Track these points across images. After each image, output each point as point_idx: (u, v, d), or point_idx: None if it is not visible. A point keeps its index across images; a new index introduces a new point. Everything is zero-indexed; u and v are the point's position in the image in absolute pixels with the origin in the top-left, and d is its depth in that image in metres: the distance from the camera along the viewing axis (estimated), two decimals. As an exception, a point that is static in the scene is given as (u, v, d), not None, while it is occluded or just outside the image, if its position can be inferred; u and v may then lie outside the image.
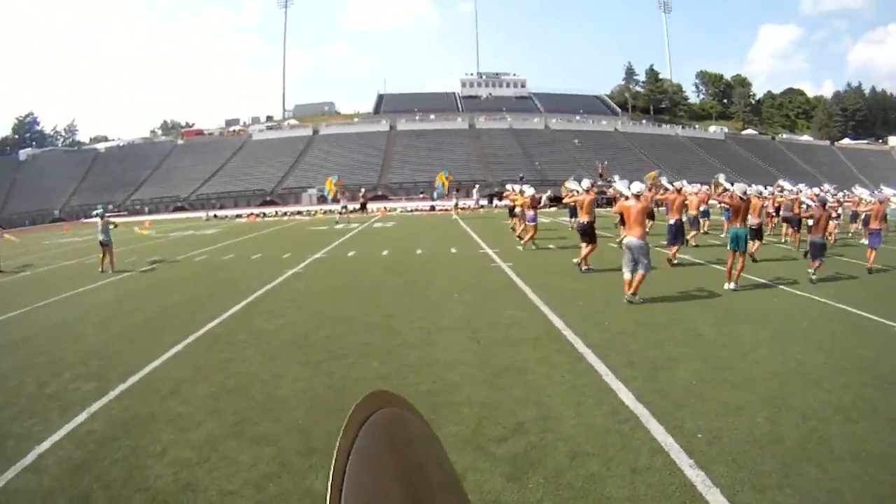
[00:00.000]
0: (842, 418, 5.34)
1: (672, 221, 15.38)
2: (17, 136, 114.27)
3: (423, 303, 11.03)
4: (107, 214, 18.76)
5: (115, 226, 18.58)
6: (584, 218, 14.39)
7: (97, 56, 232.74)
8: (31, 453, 5.26)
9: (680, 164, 78.33)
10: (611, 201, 30.09)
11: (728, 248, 12.01)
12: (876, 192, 20.78)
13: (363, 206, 45.66)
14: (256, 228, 36.25)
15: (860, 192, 21.20)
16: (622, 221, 15.62)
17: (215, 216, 56.80)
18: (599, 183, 36.68)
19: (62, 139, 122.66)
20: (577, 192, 16.17)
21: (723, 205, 15.90)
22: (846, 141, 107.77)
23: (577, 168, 69.37)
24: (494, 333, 8.57)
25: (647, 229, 12.86)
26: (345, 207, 37.37)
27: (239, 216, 55.20)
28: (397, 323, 9.46)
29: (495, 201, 51.82)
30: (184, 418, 5.92)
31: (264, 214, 54.22)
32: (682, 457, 4.57)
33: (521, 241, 19.74)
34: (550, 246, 19.96)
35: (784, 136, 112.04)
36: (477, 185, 54.32)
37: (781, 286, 12.13)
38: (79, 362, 8.06)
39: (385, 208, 51.28)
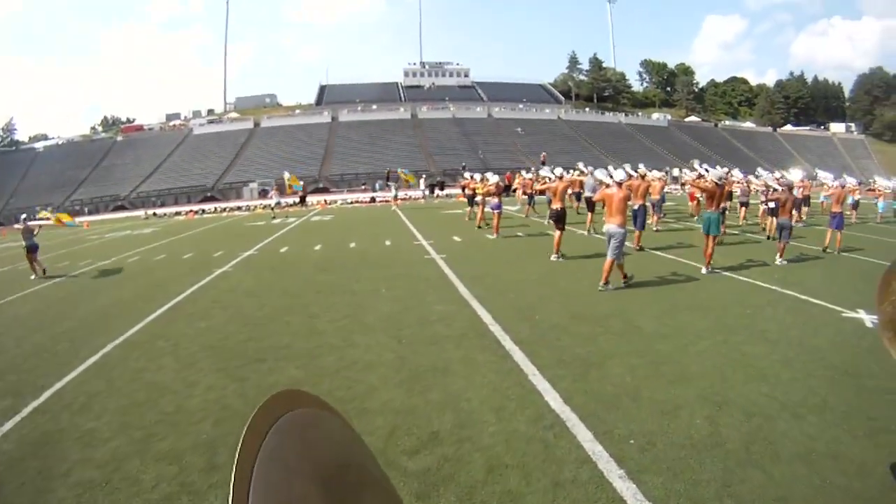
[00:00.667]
0: (789, 415, 5.00)
1: (636, 206, 15.17)
2: None
3: (349, 300, 10.56)
4: (30, 219, 18.49)
5: (37, 231, 17.83)
6: (556, 205, 14.24)
7: (34, 49, 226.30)
8: None
9: (624, 151, 78.94)
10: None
11: (702, 231, 12.22)
12: (839, 177, 21.10)
13: (302, 200, 44.96)
14: (193, 226, 35.26)
15: (823, 175, 21.43)
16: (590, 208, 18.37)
17: (154, 214, 55.48)
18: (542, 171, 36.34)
19: None
20: (550, 178, 16.08)
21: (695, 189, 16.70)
22: (788, 127, 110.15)
23: (521, 156, 69.50)
24: (419, 331, 8.13)
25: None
26: (278, 203, 37.50)
27: (178, 214, 53.84)
28: (320, 323, 8.99)
29: (436, 191, 51.43)
30: (92, 435, 5.67)
31: (203, 211, 52.85)
32: (612, 466, 4.15)
33: (491, 230, 19.37)
34: (519, 234, 19.75)
35: (727, 122, 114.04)
36: (423, 175, 53.74)
37: (727, 273, 11.85)
38: None
39: (325, 201, 50.43)
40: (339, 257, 16.45)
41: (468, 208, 25.72)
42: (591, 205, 19.89)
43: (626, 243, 11.25)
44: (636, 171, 17.94)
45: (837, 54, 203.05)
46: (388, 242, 19.04)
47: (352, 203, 50.70)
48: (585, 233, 18.84)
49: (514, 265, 13.59)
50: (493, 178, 20.20)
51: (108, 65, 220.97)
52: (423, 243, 18.14)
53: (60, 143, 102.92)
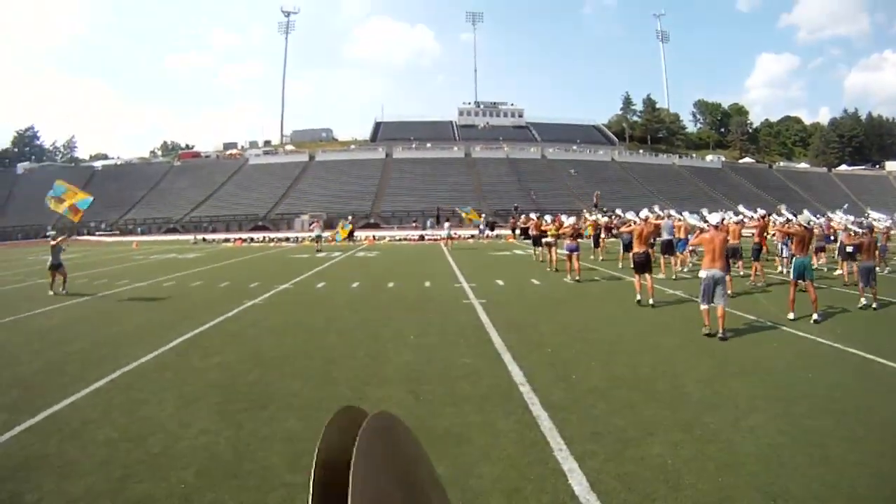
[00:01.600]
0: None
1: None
2: (16, 150, 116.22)
3: (372, 346, 9.91)
4: (58, 237, 18.70)
5: (64, 249, 18.51)
6: (639, 248, 13.96)
7: (101, 73, 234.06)
8: None
9: (677, 193, 78.33)
10: (609, 229, 28.72)
11: (792, 278, 11.96)
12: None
13: (350, 234, 44.74)
14: (238, 254, 35.60)
15: (876, 216, 20.66)
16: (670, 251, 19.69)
17: (203, 239, 56.15)
18: (594, 213, 35.36)
19: (61, 155, 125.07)
20: (635, 221, 16.35)
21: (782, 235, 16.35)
22: (843, 167, 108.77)
23: (573, 198, 68.83)
24: (439, 387, 7.35)
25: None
26: (319, 237, 36.46)
27: (226, 240, 54.51)
28: (336, 369, 8.38)
29: (486, 231, 50.84)
30: (72, 466, 5.48)
31: (252, 239, 53.20)
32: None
33: (570, 274, 18.61)
34: (596, 278, 19.20)
35: (781, 163, 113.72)
36: (483, 215, 53.38)
37: (782, 326, 10.81)
38: (1, 391, 7.86)
39: (373, 237, 50.15)
40: (373, 297, 15.96)
41: (537, 249, 25.48)
42: (670, 248, 19.96)
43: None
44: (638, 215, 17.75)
45: (891, 88, 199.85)
46: (427, 283, 18.46)
47: (400, 240, 50.51)
48: (664, 276, 18.25)
49: (557, 314, 12.77)
50: (568, 220, 19.94)
51: (171, 90, 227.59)
52: (465, 286, 17.56)
53: (119, 163, 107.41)
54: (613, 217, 29.60)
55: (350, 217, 49.73)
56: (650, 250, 20.01)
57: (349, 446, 0.66)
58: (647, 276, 13.37)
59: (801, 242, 11.97)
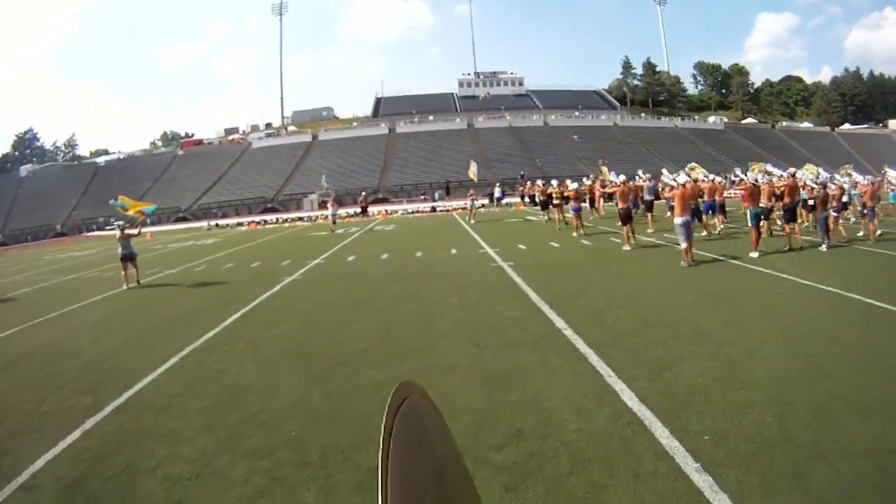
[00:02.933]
0: (858, 416, 5.10)
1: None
2: (17, 153, 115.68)
3: (420, 308, 10.86)
4: (126, 226, 17.99)
5: (137, 234, 18.03)
6: (621, 204, 17.54)
7: (95, 69, 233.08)
8: (27, 472, 5.27)
9: (680, 155, 77.88)
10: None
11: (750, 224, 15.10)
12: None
13: (364, 210, 45.51)
14: (256, 237, 36.11)
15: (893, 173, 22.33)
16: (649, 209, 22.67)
17: (216, 225, 56.98)
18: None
19: (62, 154, 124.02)
20: (616, 182, 19.72)
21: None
22: (846, 126, 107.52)
23: (578, 164, 69.32)
24: (494, 336, 8.37)
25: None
26: (335, 215, 35.16)
27: (240, 224, 55.26)
28: (395, 329, 9.31)
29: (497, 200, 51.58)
30: (176, 433, 5.85)
31: (265, 222, 54.04)
32: (689, 461, 4.36)
33: (576, 230, 21.71)
34: (585, 241, 19.87)
35: (784, 123, 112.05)
36: (497, 183, 55.27)
37: (791, 277, 11.79)
38: (77, 377, 8.13)
39: (385, 211, 51.05)
40: (406, 266, 16.77)
41: (544, 212, 29.00)
42: (650, 206, 22.99)
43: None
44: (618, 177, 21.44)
45: (893, 47, 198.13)
46: (453, 251, 19.37)
47: (412, 213, 51.27)
48: (651, 230, 20.75)
49: (581, 272, 13.86)
50: (572, 185, 24.00)
51: (167, 81, 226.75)
52: (489, 251, 18.41)
53: (122, 157, 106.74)
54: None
55: (363, 193, 50.27)
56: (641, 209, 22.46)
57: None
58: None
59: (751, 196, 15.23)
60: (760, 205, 15.84)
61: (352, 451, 4.98)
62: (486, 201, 50.89)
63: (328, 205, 35.79)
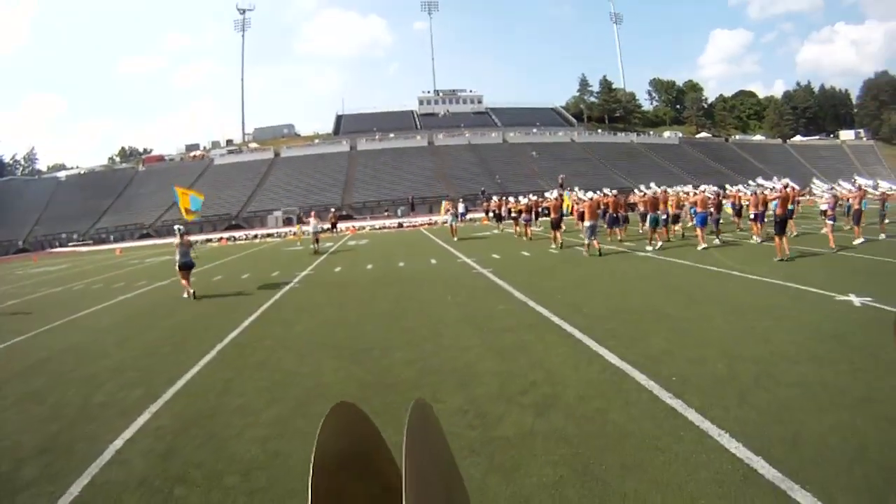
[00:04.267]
0: (787, 362, 6.80)
1: (588, 224, 19.49)
2: None
3: (421, 306, 12.25)
4: (186, 232, 16.80)
5: (192, 245, 17.14)
6: (588, 221, 19.46)
7: (51, 82, 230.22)
8: (108, 451, 5.78)
9: (637, 170, 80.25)
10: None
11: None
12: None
13: (333, 226, 46.66)
14: (231, 252, 36.73)
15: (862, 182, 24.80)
16: (580, 218, 25.08)
17: None
18: (561, 192, 39.00)
19: (21, 168, 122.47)
20: (583, 199, 23.51)
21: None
22: (798, 138, 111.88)
23: (537, 179, 71.16)
24: (493, 323, 9.93)
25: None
26: (317, 231, 29.94)
27: (209, 240, 55.44)
28: (405, 322, 10.69)
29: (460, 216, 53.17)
30: (246, 408, 6.71)
31: (234, 238, 54.56)
32: (663, 392, 5.96)
33: (527, 236, 27.12)
34: (552, 249, 21.79)
35: (737, 137, 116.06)
36: (461, 199, 56.22)
37: (737, 272, 13.65)
38: (115, 375, 8.68)
39: (354, 227, 52.17)
40: (394, 274, 18.09)
41: (500, 224, 35.41)
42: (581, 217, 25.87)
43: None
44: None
45: (843, 60, 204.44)
46: (433, 261, 20.80)
47: (380, 228, 52.22)
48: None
49: (554, 274, 15.68)
50: (523, 200, 29.62)
51: (125, 96, 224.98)
52: (467, 260, 19.92)
53: (82, 172, 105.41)
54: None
55: (332, 209, 51.50)
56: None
57: (345, 444, 0.84)
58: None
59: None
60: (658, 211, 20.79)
61: (408, 404, 6.38)
62: (447, 218, 52.25)
63: (307, 219, 34.11)
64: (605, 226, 24.27)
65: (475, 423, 5.62)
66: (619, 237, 24.14)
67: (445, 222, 45.49)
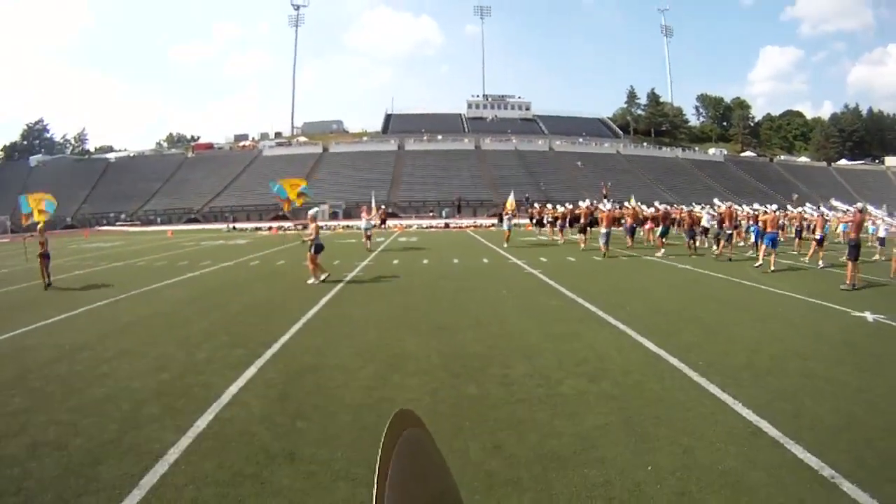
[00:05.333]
0: (797, 357, 8.12)
1: (604, 230, 23.36)
2: (25, 143, 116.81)
3: (481, 298, 13.61)
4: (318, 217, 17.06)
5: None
6: (604, 228, 23.29)
7: (103, 63, 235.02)
8: (225, 394, 6.72)
9: (680, 185, 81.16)
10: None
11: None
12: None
13: (383, 222, 48.08)
14: (284, 241, 38.00)
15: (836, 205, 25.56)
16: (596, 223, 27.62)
17: (234, 228, 58.39)
18: (605, 202, 40.74)
19: (71, 147, 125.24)
20: (603, 210, 25.43)
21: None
22: (843, 162, 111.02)
23: (581, 189, 71.92)
24: (548, 315, 11.39)
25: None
26: (369, 229, 29.04)
27: (258, 229, 56.94)
28: (469, 310, 12.07)
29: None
30: (344, 366, 7.83)
31: (285, 228, 56.12)
32: (691, 372, 7.33)
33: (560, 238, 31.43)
34: (595, 257, 23.18)
35: (782, 157, 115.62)
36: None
37: (759, 285, 14.90)
38: (209, 338, 9.68)
39: (401, 225, 53.98)
40: (450, 270, 19.45)
41: (540, 230, 38.69)
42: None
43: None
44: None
45: (894, 83, 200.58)
46: (485, 260, 22.25)
47: (427, 228, 53.52)
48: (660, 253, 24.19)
49: (598, 277, 17.25)
50: (560, 209, 34.31)
51: (175, 81, 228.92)
52: (517, 261, 21.30)
53: (132, 155, 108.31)
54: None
55: (382, 206, 52.73)
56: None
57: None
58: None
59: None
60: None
61: (484, 369, 7.69)
62: (495, 221, 53.55)
63: (364, 214, 30.09)
64: (658, 235, 25.44)
65: (541, 384, 7.03)
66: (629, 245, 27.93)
67: (493, 226, 47.04)
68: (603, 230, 23.16)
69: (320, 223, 17.85)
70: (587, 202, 32.24)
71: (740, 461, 4.91)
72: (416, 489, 0.77)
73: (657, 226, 26.59)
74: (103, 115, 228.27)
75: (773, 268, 18.22)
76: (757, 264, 18.97)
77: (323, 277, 16.19)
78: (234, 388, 6.95)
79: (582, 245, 26.40)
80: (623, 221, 30.23)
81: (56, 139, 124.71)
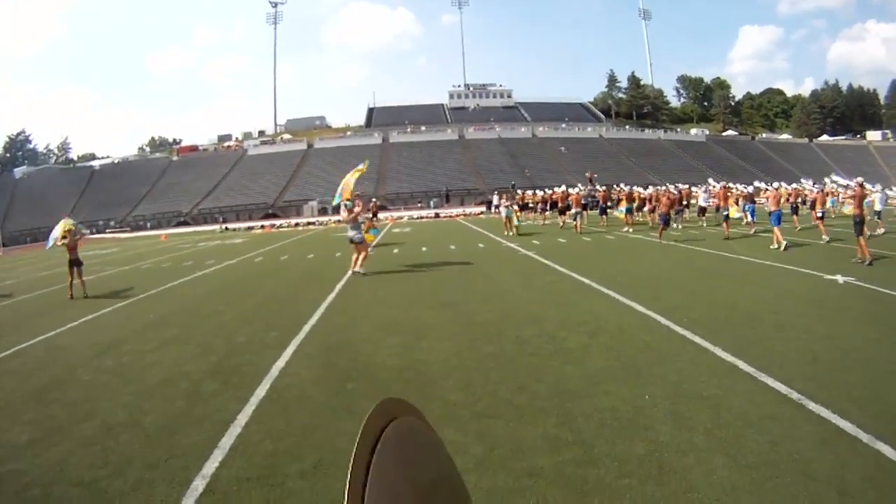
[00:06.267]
0: (770, 312, 9.26)
1: (573, 211, 28.03)
2: (8, 155, 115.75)
3: (483, 277, 14.79)
4: (354, 208, 16.49)
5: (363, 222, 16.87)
6: (575, 208, 28.04)
7: (79, 72, 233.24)
8: (273, 368, 7.53)
9: (663, 166, 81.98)
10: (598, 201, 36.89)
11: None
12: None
13: (374, 215, 48.92)
14: (281, 238, 38.80)
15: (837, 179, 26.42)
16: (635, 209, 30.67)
17: (226, 228, 59.04)
18: (589, 187, 42.40)
19: (55, 157, 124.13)
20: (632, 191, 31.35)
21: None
22: (824, 137, 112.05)
23: (565, 174, 72.86)
24: (548, 287, 12.64)
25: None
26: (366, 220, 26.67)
27: (251, 228, 57.72)
28: (475, 287, 13.21)
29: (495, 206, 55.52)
30: (372, 339, 8.83)
31: (278, 225, 57.12)
32: (676, 327, 8.46)
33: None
34: (586, 238, 24.25)
35: (764, 135, 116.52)
36: (496, 192, 56.32)
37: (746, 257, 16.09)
38: (243, 325, 10.47)
39: (392, 217, 55.01)
40: (449, 254, 20.47)
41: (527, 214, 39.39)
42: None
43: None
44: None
45: (874, 59, 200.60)
46: (481, 245, 23.35)
47: (418, 218, 54.70)
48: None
49: (589, 257, 18.24)
50: (539, 193, 37.55)
51: (155, 87, 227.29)
52: (510, 245, 22.45)
53: (116, 161, 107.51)
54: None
55: (373, 199, 53.24)
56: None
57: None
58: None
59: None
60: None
61: (498, 333, 8.76)
62: (483, 208, 54.71)
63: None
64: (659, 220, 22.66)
65: (548, 341, 8.16)
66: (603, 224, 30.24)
67: (481, 213, 48.09)
68: (573, 210, 28.14)
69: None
70: (562, 188, 36.93)
71: (721, 389, 6.00)
72: (401, 483, 0.72)
73: (649, 208, 28.29)
74: (85, 124, 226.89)
75: (778, 245, 17.79)
76: (773, 246, 18.04)
77: (360, 270, 15.90)
78: (280, 363, 7.71)
79: (561, 224, 31.22)
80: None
81: (39, 150, 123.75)
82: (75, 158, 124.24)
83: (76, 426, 6.04)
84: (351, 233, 16.07)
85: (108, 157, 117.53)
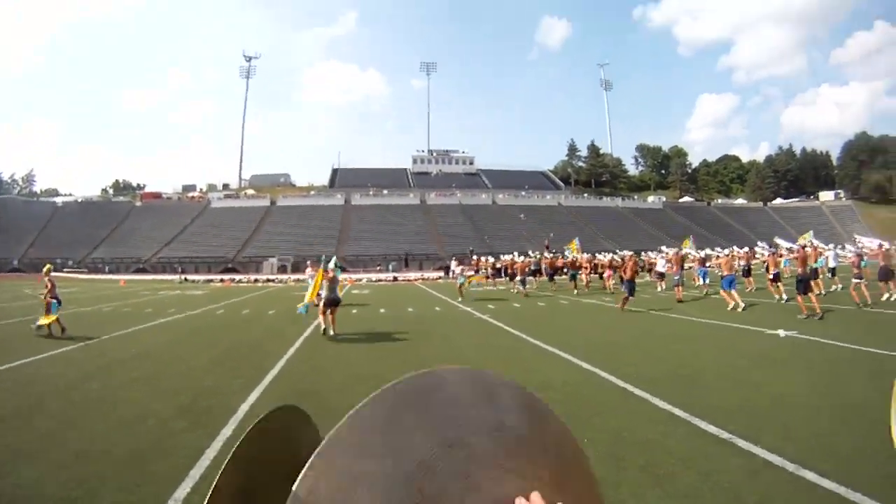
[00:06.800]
0: (713, 365, 9.98)
1: (519, 278, 31.28)
2: None
3: (440, 338, 15.23)
4: (334, 268, 16.45)
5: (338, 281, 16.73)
6: (520, 276, 31.44)
7: (47, 107, 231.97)
8: (241, 409, 7.83)
9: (621, 233, 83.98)
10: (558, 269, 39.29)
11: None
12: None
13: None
14: (240, 293, 38.70)
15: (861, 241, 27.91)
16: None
17: (185, 279, 58.78)
18: (546, 254, 43.37)
19: (19, 188, 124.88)
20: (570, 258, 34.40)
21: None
22: (778, 201, 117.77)
23: (524, 241, 73.83)
24: (503, 346, 13.41)
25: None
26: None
27: (210, 280, 57.63)
28: (431, 348, 13.52)
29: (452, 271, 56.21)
30: (340, 389, 8.99)
31: (238, 280, 57.11)
32: (619, 381, 9.03)
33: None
34: (540, 303, 25.15)
35: (719, 201, 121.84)
36: (454, 258, 57.48)
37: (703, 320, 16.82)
38: (212, 368, 10.94)
39: (351, 279, 54.93)
40: (407, 316, 20.87)
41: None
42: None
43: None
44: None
45: (826, 122, 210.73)
46: (437, 308, 23.84)
47: (376, 281, 54.92)
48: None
49: (542, 319, 19.09)
50: (492, 261, 40.07)
51: (123, 122, 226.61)
52: (467, 309, 23.03)
53: (79, 200, 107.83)
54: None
55: (334, 259, 53.31)
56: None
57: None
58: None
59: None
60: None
61: (464, 345, 9.44)
62: (441, 273, 55.64)
63: (310, 269, 29.99)
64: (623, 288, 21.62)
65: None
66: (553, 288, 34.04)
67: (440, 279, 48.74)
68: (518, 277, 31.39)
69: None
70: (512, 256, 40.29)
71: (658, 434, 6.59)
72: (262, 471, 0.80)
73: (608, 275, 31.95)
74: (50, 160, 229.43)
75: (734, 305, 18.99)
76: (730, 307, 19.07)
77: (323, 332, 15.53)
78: (246, 406, 7.90)
79: (514, 290, 33.23)
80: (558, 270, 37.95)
81: (4, 178, 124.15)
82: (38, 192, 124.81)
83: (44, 454, 6.23)
84: (327, 294, 15.69)
85: (70, 194, 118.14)
